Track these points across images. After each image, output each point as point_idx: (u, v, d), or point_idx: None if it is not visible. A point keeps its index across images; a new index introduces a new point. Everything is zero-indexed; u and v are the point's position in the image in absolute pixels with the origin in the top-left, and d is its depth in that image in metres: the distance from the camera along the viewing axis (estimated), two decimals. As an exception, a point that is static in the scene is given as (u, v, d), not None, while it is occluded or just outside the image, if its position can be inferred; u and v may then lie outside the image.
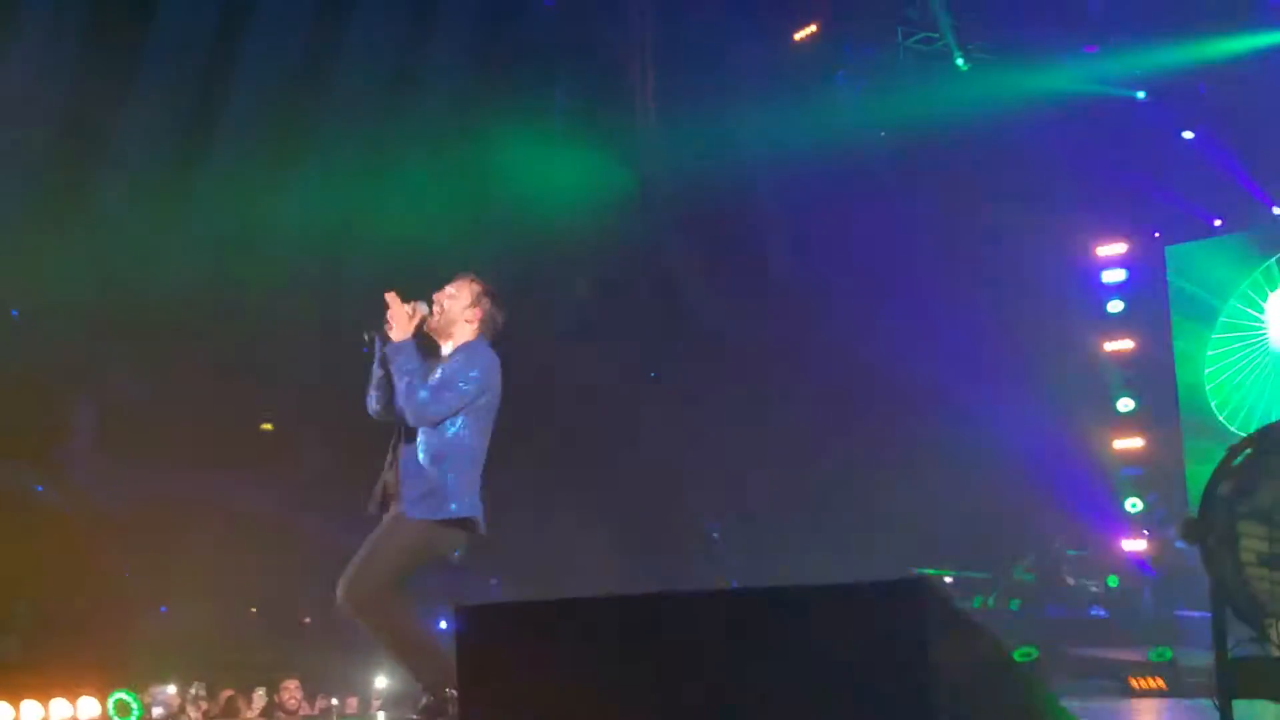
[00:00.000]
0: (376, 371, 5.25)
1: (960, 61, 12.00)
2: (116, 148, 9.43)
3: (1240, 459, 3.86)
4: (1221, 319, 12.25)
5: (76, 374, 9.48)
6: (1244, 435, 4.29)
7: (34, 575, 8.78)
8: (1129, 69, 11.68)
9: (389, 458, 5.25)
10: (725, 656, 3.18)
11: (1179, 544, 9.94)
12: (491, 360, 5.24)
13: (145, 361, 9.61)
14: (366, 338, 5.24)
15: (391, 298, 5.19)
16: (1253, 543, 3.65)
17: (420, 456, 5.11)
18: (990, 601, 11.16)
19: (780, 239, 12.22)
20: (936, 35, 11.95)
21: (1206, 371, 12.30)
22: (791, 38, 12.21)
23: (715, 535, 11.62)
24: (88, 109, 9.17)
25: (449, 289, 5.37)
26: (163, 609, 9.51)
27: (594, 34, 11.44)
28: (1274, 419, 3.89)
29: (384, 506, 5.25)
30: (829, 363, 11.78)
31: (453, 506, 5.09)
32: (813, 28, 12.25)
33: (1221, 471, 3.88)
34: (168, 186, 9.67)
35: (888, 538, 11.09)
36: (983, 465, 11.40)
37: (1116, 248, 12.84)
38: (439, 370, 5.16)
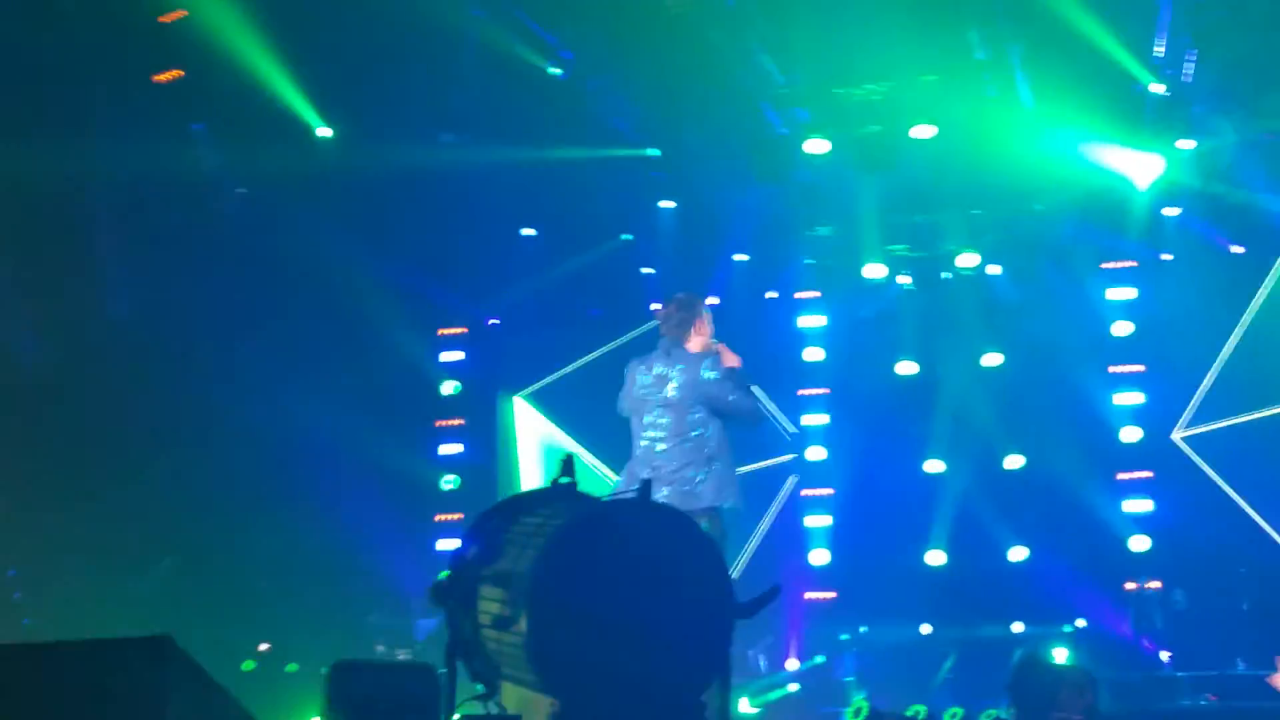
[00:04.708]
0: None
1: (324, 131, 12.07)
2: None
3: (489, 525, 4.10)
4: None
5: None
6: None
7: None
8: (480, 162, 12.32)
9: None
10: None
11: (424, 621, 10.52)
12: None
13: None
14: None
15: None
16: (489, 605, 3.88)
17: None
18: None
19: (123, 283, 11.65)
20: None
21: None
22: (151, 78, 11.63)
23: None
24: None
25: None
26: None
27: None
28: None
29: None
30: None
31: None
32: (178, 72, 11.73)
33: (469, 537, 4.11)
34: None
35: None
36: None
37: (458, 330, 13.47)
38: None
